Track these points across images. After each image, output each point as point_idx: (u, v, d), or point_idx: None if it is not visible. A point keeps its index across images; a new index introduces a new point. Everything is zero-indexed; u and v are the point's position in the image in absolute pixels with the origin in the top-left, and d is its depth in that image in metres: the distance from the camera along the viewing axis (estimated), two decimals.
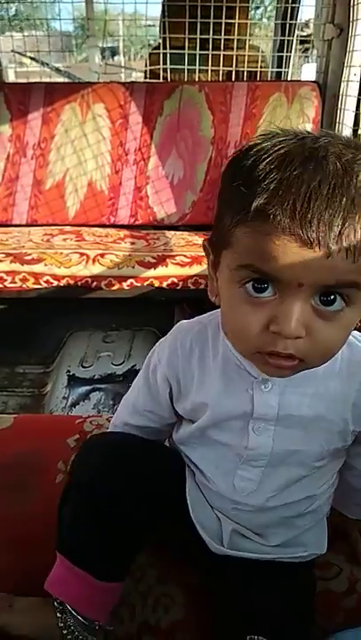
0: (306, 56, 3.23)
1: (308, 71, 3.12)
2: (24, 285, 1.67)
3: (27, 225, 2.05)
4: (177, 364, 0.65)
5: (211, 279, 0.56)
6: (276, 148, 0.46)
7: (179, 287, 1.68)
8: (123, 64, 4.29)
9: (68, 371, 1.82)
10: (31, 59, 2.91)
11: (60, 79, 3.27)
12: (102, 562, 0.65)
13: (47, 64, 3.56)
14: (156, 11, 2.42)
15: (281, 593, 0.65)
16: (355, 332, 0.60)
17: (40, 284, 1.67)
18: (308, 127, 1.99)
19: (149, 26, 2.85)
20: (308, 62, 3.21)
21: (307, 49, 3.09)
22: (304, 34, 2.89)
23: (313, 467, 0.63)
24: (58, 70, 3.66)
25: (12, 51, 3.16)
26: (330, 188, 0.43)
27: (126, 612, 0.69)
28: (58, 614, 0.64)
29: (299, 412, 0.59)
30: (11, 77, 2.90)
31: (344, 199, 0.43)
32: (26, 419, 1.04)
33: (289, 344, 0.48)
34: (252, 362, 0.55)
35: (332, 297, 0.47)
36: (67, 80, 3.29)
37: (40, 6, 2.81)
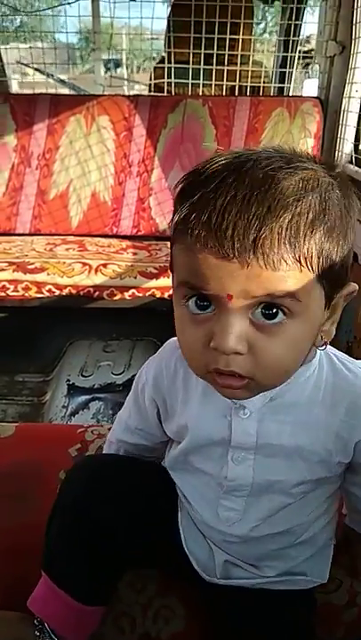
0: (306, 71, 3.27)
1: (310, 86, 3.17)
2: (26, 294, 1.68)
3: (30, 234, 2.06)
4: (162, 384, 0.64)
5: None
6: (210, 166, 0.46)
7: None
8: (126, 76, 4.34)
9: (68, 380, 1.83)
10: (36, 70, 2.94)
11: (65, 90, 3.31)
12: (83, 584, 0.64)
13: (52, 75, 3.60)
14: (159, 24, 2.46)
15: (280, 616, 0.64)
16: (340, 355, 0.59)
17: (42, 293, 1.68)
18: (310, 142, 2.02)
19: (153, 39, 2.89)
20: (308, 77, 3.25)
21: (307, 64, 3.12)
22: (305, 49, 2.93)
23: (298, 493, 0.60)
24: (62, 82, 3.71)
25: (18, 62, 3.20)
26: (245, 198, 0.42)
27: (127, 623, 0.69)
28: (36, 632, 0.64)
29: (278, 440, 0.56)
30: (14, 88, 2.93)
31: (260, 207, 0.42)
32: (27, 427, 1.04)
33: (230, 360, 0.46)
34: (209, 383, 0.52)
35: (274, 310, 0.45)
36: (71, 91, 3.34)
37: (45, 18, 2.85)
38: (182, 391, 0.62)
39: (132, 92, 2.57)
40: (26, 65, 3.21)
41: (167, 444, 0.72)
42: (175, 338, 0.63)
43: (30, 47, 2.94)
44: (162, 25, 2.51)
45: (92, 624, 0.66)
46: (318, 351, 0.56)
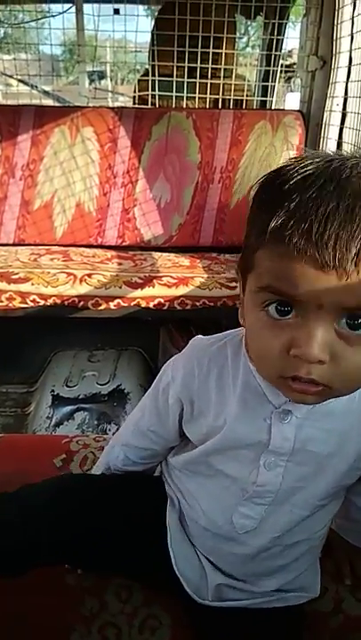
0: (288, 85, 3.33)
1: (292, 100, 3.22)
2: (10, 304, 1.67)
3: (13, 244, 2.05)
4: (192, 384, 0.61)
5: (240, 302, 0.55)
6: (301, 171, 0.45)
7: (165, 307, 1.69)
8: (110, 88, 4.37)
9: (53, 390, 1.81)
10: (20, 81, 2.95)
11: (48, 101, 3.32)
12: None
13: (36, 87, 3.61)
14: (143, 37, 2.49)
15: (270, 633, 0.64)
16: None
17: (27, 304, 1.67)
18: (292, 154, 2.05)
19: (137, 52, 2.92)
20: (290, 90, 3.30)
21: (289, 77, 3.18)
22: (287, 62, 2.98)
23: (316, 506, 0.61)
24: (46, 93, 3.72)
25: (2, 73, 3.21)
26: (349, 209, 0.42)
27: (112, 633, 0.69)
28: None
29: (313, 447, 0.57)
30: None
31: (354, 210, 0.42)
32: (11, 439, 1.03)
33: (312, 369, 0.46)
34: (277, 387, 0.52)
35: (359, 320, 0.45)
36: (55, 102, 3.35)
37: (29, 30, 2.86)
38: (215, 392, 0.60)
39: (115, 104, 2.59)
40: (10, 76, 3.22)
41: (170, 451, 0.72)
42: (201, 337, 0.64)
43: (14, 59, 2.95)
44: (146, 37, 2.55)
45: None
46: None
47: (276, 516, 0.61)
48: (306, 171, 0.45)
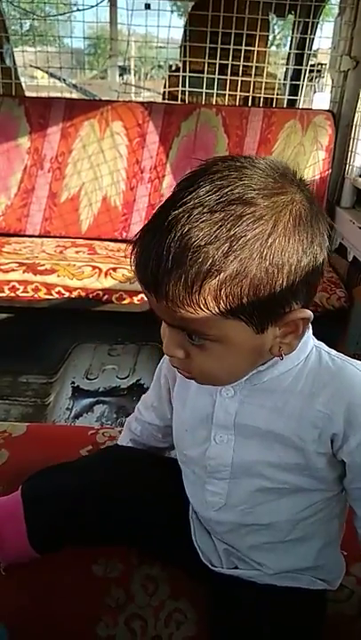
0: (312, 84, 3.30)
1: (319, 100, 3.19)
2: (36, 295, 1.68)
3: (39, 236, 2.07)
4: None
5: None
6: (155, 216, 0.52)
7: None
8: (132, 83, 4.37)
9: (73, 382, 1.82)
10: (51, 75, 2.96)
11: (73, 95, 3.33)
12: (49, 540, 0.73)
13: (64, 80, 3.63)
14: (167, 33, 2.45)
15: (283, 615, 0.64)
16: (333, 353, 0.61)
17: (52, 295, 1.69)
18: (321, 154, 2.03)
19: (161, 47, 2.92)
20: (314, 90, 3.27)
21: (313, 77, 3.15)
22: (312, 62, 2.96)
23: (278, 482, 0.62)
24: (75, 86, 3.73)
25: (31, 65, 3.22)
26: (155, 241, 0.50)
27: (138, 625, 0.69)
28: None
29: (254, 422, 0.61)
30: None
31: (167, 263, 0.49)
32: (39, 428, 1.05)
33: (173, 361, 0.58)
34: None
35: (193, 335, 0.54)
36: (82, 96, 3.36)
37: (54, 22, 2.86)
38: None
39: (138, 99, 2.58)
40: (38, 68, 3.23)
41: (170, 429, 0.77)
42: None
43: (39, 51, 2.96)
44: (171, 33, 2.53)
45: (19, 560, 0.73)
46: (311, 346, 0.60)
47: (238, 490, 0.64)
48: (155, 218, 0.52)
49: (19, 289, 1.68)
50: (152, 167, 2.06)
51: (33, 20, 3.06)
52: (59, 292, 1.69)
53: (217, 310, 0.50)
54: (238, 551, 0.68)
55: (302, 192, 0.52)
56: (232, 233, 0.48)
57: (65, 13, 2.56)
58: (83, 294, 1.69)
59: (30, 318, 1.86)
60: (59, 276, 1.69)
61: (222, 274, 0.48)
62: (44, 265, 1.72)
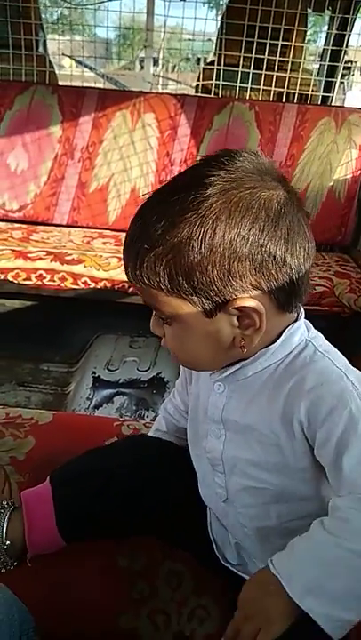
0: (342, 82, 3.25)
1: (352, 98, 3.14)
2: (62, 285, 1.69)
3: (67, 225, 2.07)
4: None
5: None
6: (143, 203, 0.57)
7: None
8: (161, 75, 4.36)
9: (94, 372, 1.83)
10: (85, 66, 2.96)
11: (101, 85, 3.32)
12: (77, 528, 0.73)
13: (95, 69, 3.63)
14: (192, 25, 2.42)
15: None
16: (318, 345, 0.59)
17: (78, 285, 1.69)
18: (354, 153, 2.00)
19: (190, 40, 2.89)
20: (343, 88, 3.23)
21: (343, 75, 3.10)
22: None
23: (259, 480, 0.61)
24: (105, 76, 3.73)
25: (63, 54, 3.22)
26: (135, 231, 0.55)
27: (161, 620, 0.69)
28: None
29: (235, 417, 0.62)
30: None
31: (139, 241, 0.54)
32: (65, 417, 1.05)
33: (162, 341, 0.61)
34: None
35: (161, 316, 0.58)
36: (112, 86, 3.35)
37: (84, 12, 2.85)
38: None
39: (165, 91, 2.56)
40: (71, 57, 3.24)
41: None
42: None
43: (70, 40, 2.94)
44: (201, 26, 2.49)
45: (46, 550, 0.73)
46: (297, 341, 0.59)
47: (231, 486, 0.65)
48: (142, 206, 0.56)
49: (45, 277, 1.69)
50: (182, 160, 2.04)
51: (66, 8, 3.06)
52: (85, 283, 1.69)
53: (158, 286, 0.54)
54: (247, 549, 0.68)
55: (283, 190, 0.54)
56: (174, 212, 0.51)
57: (97, 3, 2.55)
58: (108, 285, 1.70)
59: (55, 307, 1.87)
60: (85, 266, 1.69)
61: (158, 249, 0.52)
62: (71, 255, 1.72)
